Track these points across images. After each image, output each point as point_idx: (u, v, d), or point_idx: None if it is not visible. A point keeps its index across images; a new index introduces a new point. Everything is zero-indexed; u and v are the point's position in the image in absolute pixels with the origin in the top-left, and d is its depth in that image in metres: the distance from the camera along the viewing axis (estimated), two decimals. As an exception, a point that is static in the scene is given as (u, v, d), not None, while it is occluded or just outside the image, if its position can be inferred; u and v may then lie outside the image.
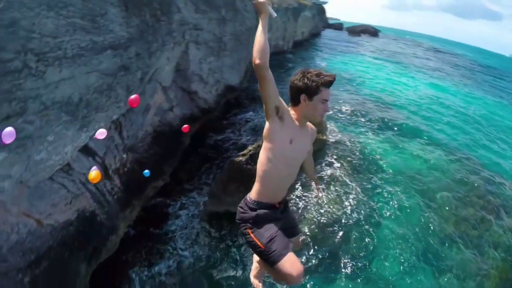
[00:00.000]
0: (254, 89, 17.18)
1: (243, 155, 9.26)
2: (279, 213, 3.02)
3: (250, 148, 9.52)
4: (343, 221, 9.13)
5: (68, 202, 7.01)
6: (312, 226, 8.87)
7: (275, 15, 2.83)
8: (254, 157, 9.10)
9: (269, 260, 2.77)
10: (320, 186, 3.84)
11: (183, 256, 8.10)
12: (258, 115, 14.86)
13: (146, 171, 7.20)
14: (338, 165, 11.48)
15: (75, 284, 6.68)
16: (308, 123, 3.05)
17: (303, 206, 9.45)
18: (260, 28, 2.71)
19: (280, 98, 2.73)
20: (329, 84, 2.79)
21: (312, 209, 9.34)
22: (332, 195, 9.86)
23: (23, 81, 5.17)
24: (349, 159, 11.96)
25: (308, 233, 8.60)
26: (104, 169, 7.91)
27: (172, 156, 10.19)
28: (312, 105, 2.82)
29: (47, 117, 5.71)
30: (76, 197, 7.10)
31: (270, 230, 2.86)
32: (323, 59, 32.67)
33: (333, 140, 13.29)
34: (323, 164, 11.45)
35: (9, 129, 3.98)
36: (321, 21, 55.94)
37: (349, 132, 14.59)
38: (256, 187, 3.00)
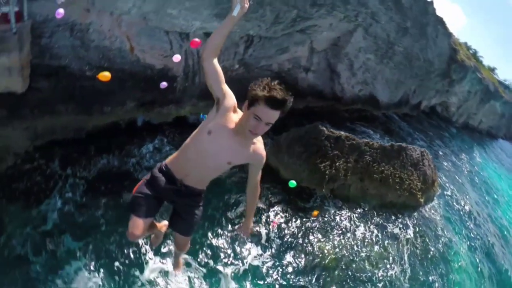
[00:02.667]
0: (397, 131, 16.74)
1: (332, 133, 9.40)
2: (174, 192, 3.14)
3: (340, 133, 9.60)
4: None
5: (163, 55, 8.39)
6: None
7: (235, 14, 2.78)
8: (338, 142, 9.34)
9: (129, 206, 3.13)
10: (244, 235, 3.50)
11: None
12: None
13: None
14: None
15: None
16: (259, 147, 2.88)
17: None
18: (225, 23, 2.77)
19: (227, 92, 2.77)
20: (268, 101, 2.51)
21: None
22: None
23: None
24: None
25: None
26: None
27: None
28: (246, 115, 2.66)
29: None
30: (170, 57, 8.32)
31: (149, 191, 3.10)
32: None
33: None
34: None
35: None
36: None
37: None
38: (173, 154, 3.13)
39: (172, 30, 8.13)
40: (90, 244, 6.10)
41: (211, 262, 7.03)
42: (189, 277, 6.67)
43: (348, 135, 9.56)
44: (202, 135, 2.85)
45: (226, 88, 2.80)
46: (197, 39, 5.44)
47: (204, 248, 7.27)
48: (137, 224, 3.19)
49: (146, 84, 8.25)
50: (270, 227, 7.65)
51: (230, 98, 2.79)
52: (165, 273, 6.40)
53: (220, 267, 7.05)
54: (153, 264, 6.39)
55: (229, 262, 7.26)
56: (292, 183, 6.61)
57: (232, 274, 7.04)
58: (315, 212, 8.31)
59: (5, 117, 6.94)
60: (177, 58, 5.51)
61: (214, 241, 7.47)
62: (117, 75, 7.70)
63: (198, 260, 7.05)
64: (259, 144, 2.89)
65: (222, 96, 2.77)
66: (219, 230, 7.78)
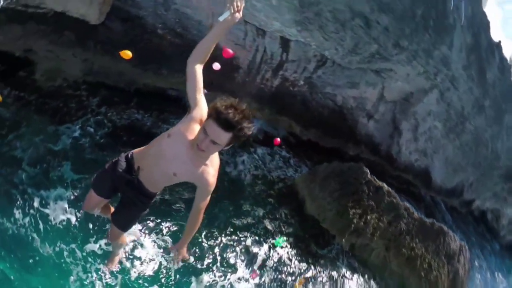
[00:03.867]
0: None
1: (374, 180, 8.72)
2: (127, 181, 3.16)
3: (383, 185, 8.86)
4: None
5: (234, 42, 8.47)
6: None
7: (220, 19, 2.89)
8: (378, 193, 8.66)
9: (93, 179, 3.39)
10: (175, 258, 3.43)
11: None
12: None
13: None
14: None
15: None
16: (209, 172, 2.84)
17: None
18: (215, 29, 2.95)
19: (200, 102, 2.81)
20: (218, 118, 2.49)
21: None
22: None
23: None
24: None
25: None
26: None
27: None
28: (200, 128, 2.66)
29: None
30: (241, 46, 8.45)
31: (109, 173, 3.23)
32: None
33: None
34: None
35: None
36: None
37: None
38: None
39: (251, 22, 8.13)
40: (83, 182, 5.96)
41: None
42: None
43: (390, 191, 8.85)
44: (164, 136, 2.87)
45: (200, 98, 2.82)
46: (230, 50, 5.51)
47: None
48: (91, 199, 3.39)
49: (207, 61, 8.19)
50: (250, 278, 7.25)
51: (200, 109, 2.79)
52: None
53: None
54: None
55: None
56: (278, 242, 6.52)
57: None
58: (299, 283, 7.37)
59: (71, 41, 7.17)
60: (216, 66, 5.60)
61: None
62: (188, 44, 7.81)
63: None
64: (210, 169, 2.83)
65: (194, 104, 2.80)
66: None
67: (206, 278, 6.74)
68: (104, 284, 5.00)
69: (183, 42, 7.92)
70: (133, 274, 5.42)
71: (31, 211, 5.23)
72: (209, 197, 3.01)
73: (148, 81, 8.16)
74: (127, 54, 4.91)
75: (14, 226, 5.06)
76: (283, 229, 8.38)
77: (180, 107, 8.77)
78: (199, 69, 2.83)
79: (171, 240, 6.02)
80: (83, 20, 6.88)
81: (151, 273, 5.66)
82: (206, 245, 7.01)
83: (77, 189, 5.84)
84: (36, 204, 5.30)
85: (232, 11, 2.80)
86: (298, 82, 9.58)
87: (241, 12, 2.84)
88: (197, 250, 6.78)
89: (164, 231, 6.33)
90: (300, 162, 10.84)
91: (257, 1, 7.69)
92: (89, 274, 5.30)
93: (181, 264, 3.54)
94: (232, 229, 7.54)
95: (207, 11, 7.71)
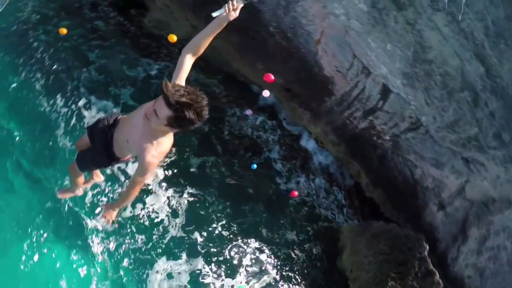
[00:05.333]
0: None
1: (431, 261, 7.88)
2: (103, 135, 3.51)
3: (436, 273, 7.85)
4: None
5: (336, 68, 8.31)
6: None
7: (213, 15, 2.98)
8: (426, 279, 7.68)
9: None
10: (104, 215, 3.60)
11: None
12: None
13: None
14: None
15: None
16: (149, 146, 2.97)
17: None
18: (210, 24, 3.07)
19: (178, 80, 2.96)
20: (165, 95, 2.63)
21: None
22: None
23: None
24: None
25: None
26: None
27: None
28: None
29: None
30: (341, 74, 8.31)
31: (100, 122, 3.62)
32: None
33: None
34: None
35: None
36: None
37: None
38: None
39: (359, 58, 7.95)
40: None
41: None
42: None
43: (440, 283, 7.92)
44: (140, 107, 3.22)
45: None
46: (272, 76, 5.40)
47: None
48: (82, 138, 3.91)
49: (303, 73, 8.20)
50: None
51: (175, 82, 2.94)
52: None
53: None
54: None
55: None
56: None
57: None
58: None
59: (188, 4, 7.69)
60: (266, 93, 5.71)
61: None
62: (292, 50, 7.91)
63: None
64: (154, 149, 2.96)
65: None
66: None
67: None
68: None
69: (288, 47, 8.02)
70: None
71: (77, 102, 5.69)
72: (146, 176, 3.13)
73: (241, 68, 8.36)
74: (173, 38, 5.25)
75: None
76: (305, 267, 8.06)
77: (255, 105, 8.90)
78: (188, 60, 3.03)
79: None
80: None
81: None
82: (223, 238, 7.27)
83: (89, 109, 6.50)
84: (81, 102, 5.81)
85: (227, 10, 2.90)
86: (384, 135, 9.10)
87: (237, 12, 2.93)
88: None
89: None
90: (354, 216, 10.31)
91: (373, 40, 7.55)
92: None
93: (109, 224, 3.72)
94: (255, 238, 7.53)
95: (318, 26, 7.73)
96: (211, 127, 7.99)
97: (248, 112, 7.74)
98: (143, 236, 6.68)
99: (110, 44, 7.08)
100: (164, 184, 7.11)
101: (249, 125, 8.54)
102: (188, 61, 3.02)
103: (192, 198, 7.40)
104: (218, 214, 7.50)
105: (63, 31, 5.81)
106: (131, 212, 6.62)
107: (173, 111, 2.61)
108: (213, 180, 7.71)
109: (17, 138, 6.06)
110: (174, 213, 7.12)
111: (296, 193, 7.63)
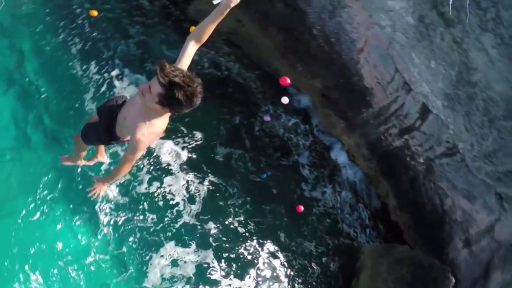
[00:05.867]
0: None
1: None
2: (110, 112, 3.71)
3: None
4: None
5: (377, 80, 8.16)
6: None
7: (214, 2, 3.10)
8: None
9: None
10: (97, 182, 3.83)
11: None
12: None
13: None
14: None
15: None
16: (141, 125, 3.13)
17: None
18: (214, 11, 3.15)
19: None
20: (160, 73, 2.82)
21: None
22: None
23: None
24: None
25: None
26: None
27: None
28: None
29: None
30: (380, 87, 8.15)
31: (111, 101, 3.92)
32: None
33: None
34: None
35: None
36: None
37: None
38: None
39: (402, 73, 7.74)
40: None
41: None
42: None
43: None
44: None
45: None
46: (288, 80, 5.54)
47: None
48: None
49: (342, 81, 8.10)
50: None
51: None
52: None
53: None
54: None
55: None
56: None
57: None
58: None
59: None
60: (285, 100, 5.85)
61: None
62: (334, 56, 7.83)
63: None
64: (145, 128, 3.09)
65: None
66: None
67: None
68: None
69: (330, 51, 7.94)
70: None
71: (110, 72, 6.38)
72: (136, 155, 3.28)
73: (280, 68, 8.36)
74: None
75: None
76: (318, 282, 7.80)
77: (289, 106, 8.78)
78: (192, 47, 3.21)
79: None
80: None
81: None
82: (238, 234, 7.18)
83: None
84: (114, 72, 6.34)
85: None
86: (418, 157, 8.75)
87: None
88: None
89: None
90: (376, 238, 9.96)
91: (417, 55, 7.32)
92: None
93: (100, 195, 3.84)
94: (272, 241, 7.44)
95: (362, 35, 7.60)
96: (242, 120, 7.99)
97: (267, 118, 7.75)
98: (154, 216, 6.60)
99: (152, 23, 7.33)
100: (185, 167, 7.10)
101: (281, 125, 8.48)
102: (191, 48, 3.19)
103: (212, 187, 7.33)
104: (237, 209, 7.39)
105: (94, 13, 6.07)
106: (146, 188, 6.62)
107: (164, 89, 2.75)
108: (237, 174, 7.63)
109: (44, 95, 6.31)
110: (191, 199, 7.01)
111: (302, 208, 7.36)
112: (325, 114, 8.69)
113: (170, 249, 6.53)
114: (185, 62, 3.18)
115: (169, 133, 6.79)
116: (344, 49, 7.84)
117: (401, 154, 8.88)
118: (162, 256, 6.45)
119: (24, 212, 5.82)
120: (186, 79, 2.74)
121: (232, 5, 3.04)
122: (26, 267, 5.60)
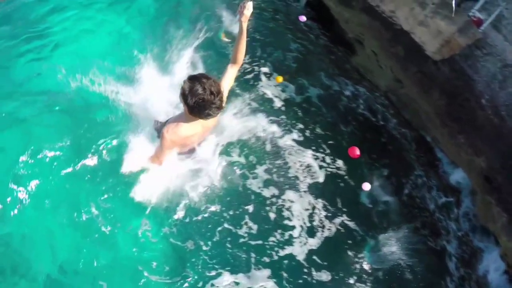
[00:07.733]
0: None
1: None
2: None
3: None
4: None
5: None
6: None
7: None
8: None
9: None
10: None
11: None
12: None
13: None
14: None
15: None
16: (168, 125, 3.80)
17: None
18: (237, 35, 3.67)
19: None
20: (188, 78, 3.57)
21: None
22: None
23: None
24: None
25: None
26: None
27: None
28: None
29: None
30: None
31: None
32: None
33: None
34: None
35: None
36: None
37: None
38: None
39: None
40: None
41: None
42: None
43: None
44: None
45: (223, 87, 3.57)
46: (358, 151, 5.08)
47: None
48: None
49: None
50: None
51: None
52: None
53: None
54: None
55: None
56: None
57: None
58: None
59: (395, 54, 7.49)
60: (366, 186, 5.51)
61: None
62: (504, 130, 6.68)
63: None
64: (174, 123, 3.72)
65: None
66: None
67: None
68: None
69: (499, 125, 6.74)
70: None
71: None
72: (158, 150, 3.79)
73: (439, 138, 7.54)
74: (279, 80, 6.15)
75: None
76: None
77: (443, 182, 7.50)
78: (230, 69, 3.81)
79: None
80: (420, 44, 7.04)
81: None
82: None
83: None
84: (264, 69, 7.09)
85: (238, 12, 3.51)
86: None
87: (249, 8, 3.46)
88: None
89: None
90: None
91: None
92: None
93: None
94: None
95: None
96: (391, 175, 7.21)
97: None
98: (256, 227, 5.08)
99: (315, 49, 7.62)
100: (315, 192, 5.75)
101: (433, 200, 7.40)
102: (230, 70, 3.79)
103: (340, 230, 5.50)
104: (365, 276, 6.01)
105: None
106: (259, 188, 5.47)
107: (181, 90, 3.39)
108: (377, 229, 6.56)
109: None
110: (310, 231, 5.31)
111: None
112: (483, 203, 7.20)
113: (254, 279, 4.74)
114: (224, 81, 3.68)
115: (311, 144, 6.48)
116: (515, 125, 6.61)
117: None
118: (237, 283, 4.68)
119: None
120: (207, 88, 3.23)
121: (243, 17, 3.44)
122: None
